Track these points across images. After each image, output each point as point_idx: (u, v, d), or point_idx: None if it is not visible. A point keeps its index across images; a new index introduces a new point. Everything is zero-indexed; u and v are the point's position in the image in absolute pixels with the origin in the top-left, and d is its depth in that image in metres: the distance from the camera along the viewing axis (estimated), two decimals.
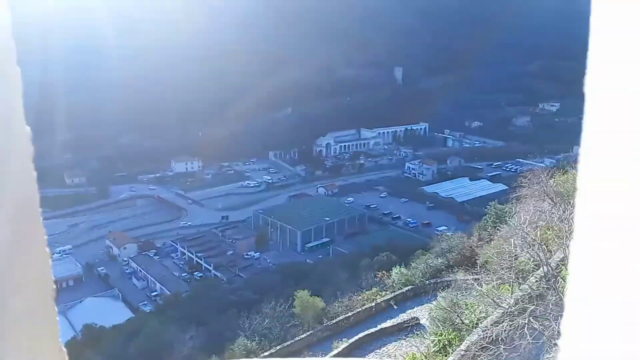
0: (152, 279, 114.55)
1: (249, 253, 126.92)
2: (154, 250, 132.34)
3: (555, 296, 13.32)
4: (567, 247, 14.07)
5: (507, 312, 15.36)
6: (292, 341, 31.53)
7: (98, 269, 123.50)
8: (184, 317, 49.78)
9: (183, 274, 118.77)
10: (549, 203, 28.26)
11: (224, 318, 46.08)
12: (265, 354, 30.50)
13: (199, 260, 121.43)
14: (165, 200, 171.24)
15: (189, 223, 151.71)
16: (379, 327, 30.59)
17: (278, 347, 31.00)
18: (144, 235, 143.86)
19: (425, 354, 22.35)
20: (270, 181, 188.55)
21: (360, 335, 29.41)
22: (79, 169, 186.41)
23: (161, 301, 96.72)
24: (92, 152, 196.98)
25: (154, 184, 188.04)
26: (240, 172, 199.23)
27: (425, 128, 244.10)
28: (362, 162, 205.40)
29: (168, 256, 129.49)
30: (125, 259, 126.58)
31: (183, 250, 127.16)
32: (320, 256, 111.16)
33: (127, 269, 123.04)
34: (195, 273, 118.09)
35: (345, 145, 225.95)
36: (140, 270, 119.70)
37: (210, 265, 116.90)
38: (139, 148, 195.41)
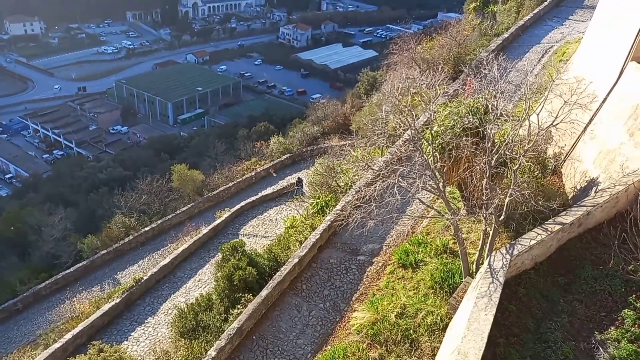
0: (3, 160, 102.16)
1: (115, 127, 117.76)
2: None
3: (420, 157, 14.55)
4: (432, 112, 15.19)
5: (378, 174, 16.58)
6: (173, 214, 31.50)
7: None
8: (49, 199, 46.22)
9: (41, 154, 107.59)
10: (418, 70, 29.84)
11: (96, 197, 43.84)
12: (147, 228, 30.27)
13: (57, 137, 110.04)
14: (3, 68, 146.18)
15: (61, 91, 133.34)
16: (260, 194, 31.72)
17: (159, 221, 30.86)
18: None
19: (304, 215, 23.94)
20: (130, 46, 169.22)
21: (242, 203, 30.31)
22: None
23: (19, 184, 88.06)
24: None
25: None
26: (94, 36, 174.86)
27: None
28: (233, 25, 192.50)
29: (18, 134, 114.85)
30: None
31: (36, 126, 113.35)
32: (195, 128, 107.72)
33: None
34: (55, 151, 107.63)
35: (214, 7, 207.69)
36: None
37: (72, 142, 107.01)
38: None
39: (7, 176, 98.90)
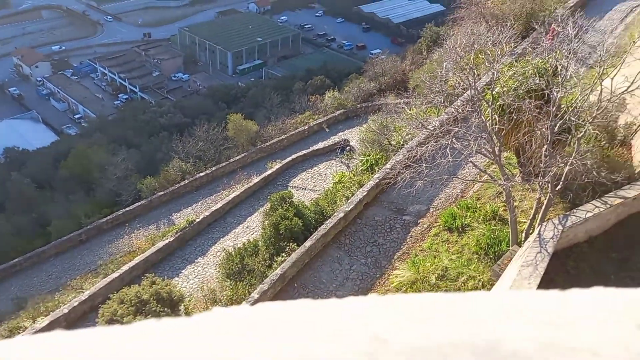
0: (73, 100, 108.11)
1: (176, 75, 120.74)
2: (70, 70, 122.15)
3: (477, 118, 13.93)
4: (495, 71, 14.35)
5: (432, 134, 16.11)
6: (227, 162, 32.37)
7: (9, 89, 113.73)
8: (113, 140, 48.64)
9: (108, 97, 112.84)
10: (485, 26, 28.10)
11: (155, 141, 45.69)
12: (202, 174, 31.38)
13: (122, 82, 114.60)
14: (75, 12, 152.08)
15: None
16: (311, 148, 31.82)
17: (213, 168, 31.86)
18: (56, 53, 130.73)
19: (353, 172, 23.88)
20: None
21: (293, 156, 30.59)
22: None
23: (86, 124, 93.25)
24: None
25: None
26: None
27: None
28: None
29: (87, 76, 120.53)
30: (39, 78, 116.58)
31: (103, 70, 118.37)
32: (253, 79, 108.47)
33: (43, 90, 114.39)
34: (120, 95, 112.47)
35: None
36: (58, 92, 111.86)
37: (136, 87, 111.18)
38: None
39: (77, 116, 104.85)
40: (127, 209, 29.81)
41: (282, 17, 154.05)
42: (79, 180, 39.29)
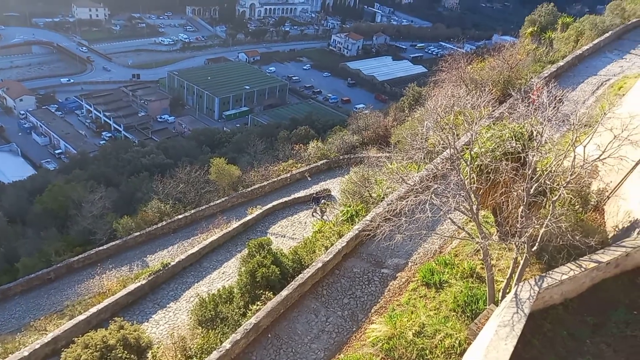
0: (55, 135, 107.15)
1: (162, 116, 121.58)
2: (55, 105, 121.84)
3: (456, 176, 14.29)
4: (474, 133, 14.91)
5: (412, 189, 16.41)
6: (207, 206, 32.13)
7: None
8: (93, 177, 47.92)
9: (90, 133, 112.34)
10: (465, 89, 29.38)
11: (136, 181, 45.20)
12: (180, 216, 31.00)
13: (107, 120, 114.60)
14: (65, 49, 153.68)
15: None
16: (293, 196, 31.93)
17: (192, 211, 31.55)
18: (42, 87, 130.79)
19: (334, 222, 23.94)
20: (186, 40, 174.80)
21: (274, 203, 30.59)
22: None
23: (66, 159, 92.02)
24: None
25: (52, 29, 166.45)
26: (154, 27, 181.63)
27: None
28: (287, 29, 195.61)
29: (72, 113, 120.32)
30: (22, 112, 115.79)
31: (89, 107, 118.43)
32: (238, 125, 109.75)
33: (25, 124, 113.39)
34: (104, 133, 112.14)
35: (270, 9, 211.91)
36: (41, 126, 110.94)
37: (120, 126, 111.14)
38: None
39: (57, 152, 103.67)
40: (101, 248, 29.02)
41: (271, 68, 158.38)
42: (53, 216, 38.28)
